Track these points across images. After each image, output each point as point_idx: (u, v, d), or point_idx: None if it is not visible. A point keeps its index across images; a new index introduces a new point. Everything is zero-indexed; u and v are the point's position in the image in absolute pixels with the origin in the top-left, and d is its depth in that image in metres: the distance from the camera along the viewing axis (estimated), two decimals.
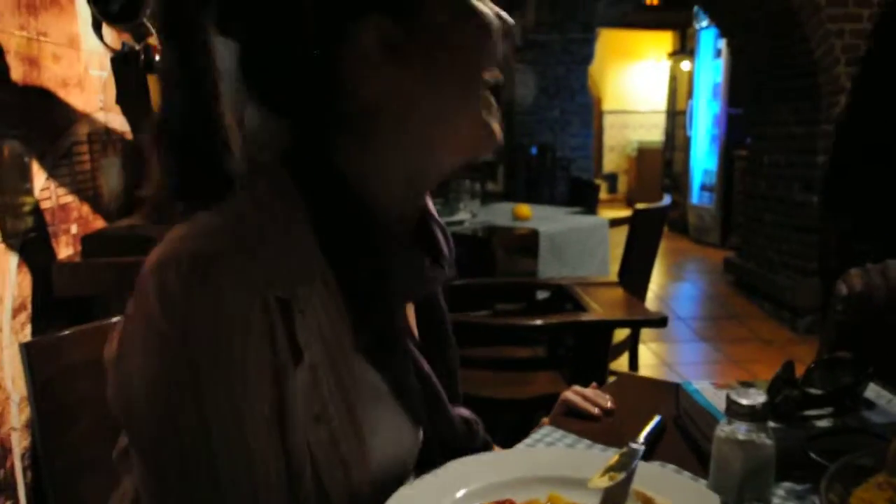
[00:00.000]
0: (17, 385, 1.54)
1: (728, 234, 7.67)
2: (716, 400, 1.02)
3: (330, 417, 0.72)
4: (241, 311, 0.65)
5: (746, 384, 1.08)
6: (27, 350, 1.06)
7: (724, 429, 0.82)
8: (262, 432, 0.67)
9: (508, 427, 2.71)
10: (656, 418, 1.07)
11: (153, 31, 1.45)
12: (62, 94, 1.80)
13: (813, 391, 1.01)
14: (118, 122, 2.07)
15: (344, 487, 0.74)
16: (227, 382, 0.65)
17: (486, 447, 0.94)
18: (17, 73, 1.60)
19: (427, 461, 0.87)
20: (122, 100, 1.62)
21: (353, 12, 0.71)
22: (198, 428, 0.65)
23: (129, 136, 2.00)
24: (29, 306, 1.66)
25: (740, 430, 0.81)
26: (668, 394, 1.16)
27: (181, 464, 0.66)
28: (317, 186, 0.73)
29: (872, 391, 1.05)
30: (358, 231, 0.74)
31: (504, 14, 0.79)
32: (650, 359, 4.30)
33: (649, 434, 1.02)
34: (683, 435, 1.07)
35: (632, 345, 3.10)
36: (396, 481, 0.82)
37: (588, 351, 2.18)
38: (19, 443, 1.56)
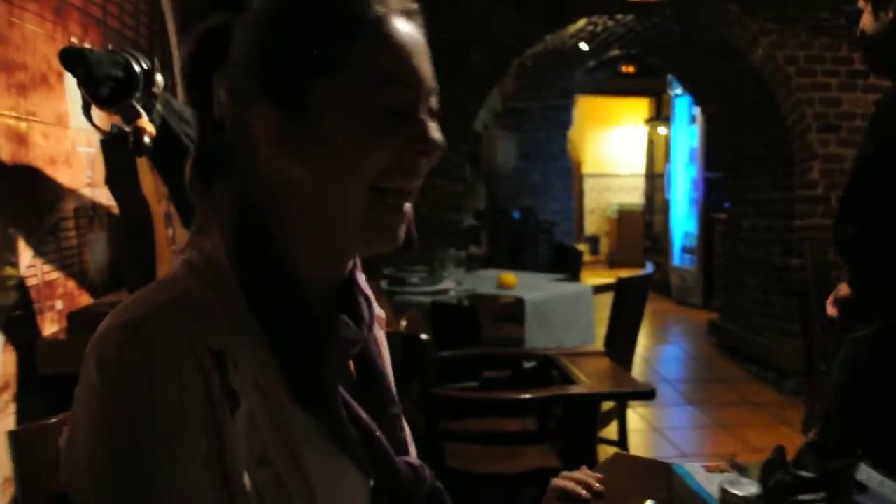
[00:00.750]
0: (1, 466, 1.51)
1: (710, 295, 7.72)
2: (707, 484, 1.01)
3: (271, 460, 0.74)
4: (174, 366, 0.69)
5: (738, 467, 1.08)
6: (14, 438, 1.04)
7: None
8: (205, 483, 0.69)
9: (498, 502, 2.68)
10: (648, 502, 1.07)
11: (142, 113, 1.47)
12: (49, 171, 1.81)
13: (805, 474, 1.01)
14: (105, 196, 2.07)
15: None
16: (166, 437, 0.68)
17: (435, 493, 0.92)
18: (5, 152, 1.61)
19: None
20: (111, 180, 1.63)
21: (249, 100, 0.76)
22: (141, 487, 0.68)
23: (116, 211, 2.00)
24: (13, 385, 1.63)
25: None
26: (660, 475, 1.15)
27: None
28: (243, 250, 0.77)
29: (864, 473, 1.05)
30: (280, 294, 0.77)
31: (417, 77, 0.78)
32: (639, 424, 4.27)
33: None
34: None
35: (620, 413, 3.09)
36: None
37: (577, 423, 2.17)
38: None
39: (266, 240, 0.79)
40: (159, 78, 1.55)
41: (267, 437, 0.74)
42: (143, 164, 1.60)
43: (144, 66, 1.51)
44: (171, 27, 2.99)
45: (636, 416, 4.34)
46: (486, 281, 3.64)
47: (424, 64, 0.78)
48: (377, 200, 0.76)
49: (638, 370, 5.34)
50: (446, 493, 0.93)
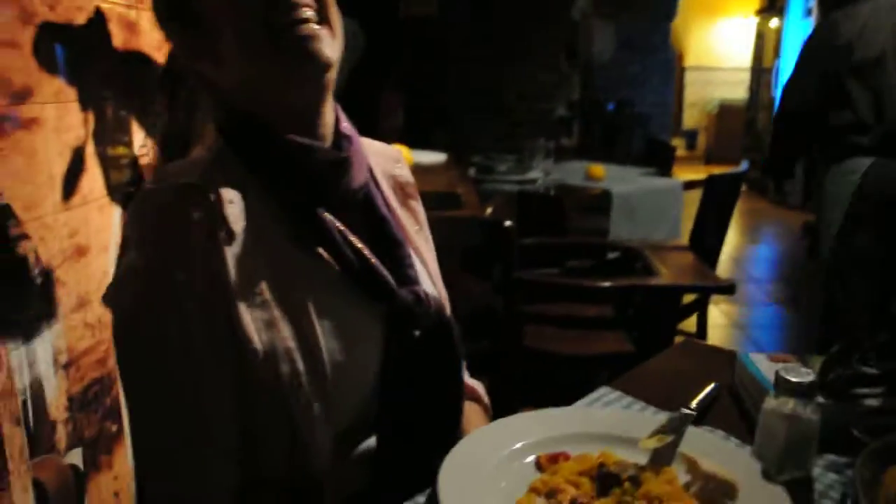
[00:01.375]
0: None
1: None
2: (769, 372, 1.06)
3: (265, 300, 0.84)
4: (179, 207, 0.82)
5: (803, 359, 1.12)
6: None
7: (771, 402, 0.87)
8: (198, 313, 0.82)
9: (572, 382, 2.78)
10: (711, 385, 1.13)
11: None
12: (158, 58, 1.91)
13: (867, 370, 1.04)
14: None
15: (290, 378, 0.84)
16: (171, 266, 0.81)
17: (444, 325, 0.98)
18: (117, 39, 1.71)
19: (395, 356, 0.93)
20: None
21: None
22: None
23: None
24: None
25: (787, 404, 0.86)
26: (728, 362, 1.20)
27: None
28: (234, 132, 0.91)
29: None
30: (269, 149, 0.89)
31: None
32: (720, 319, 4.28)
33: (702, 400, 1.07)
34: (736, 403, 1.12)
35: (700, 307, 3.11)
36: (362, 369, 0.91)
37: (655, 313, 2.21)
38: None
39: (250, 121, 0.90)
40: None
41: (261, 277, 0.85)
42: None
43: None
44: None
45: (718, 311, 4.34)
46: (575, 172, 3.64)
47: None
48: (273, 36, 0.84)
49: (725, 268, 5.29)
50: (455, 325, 1.00)
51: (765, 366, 1.09)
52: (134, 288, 0.83)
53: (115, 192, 1.73)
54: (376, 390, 0.92)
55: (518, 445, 0.91)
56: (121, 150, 1.76)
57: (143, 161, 1.85)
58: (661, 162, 4.22)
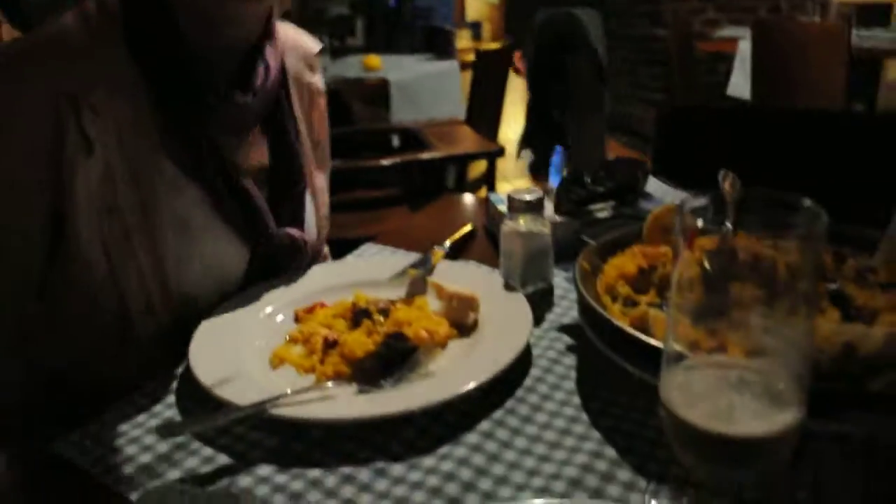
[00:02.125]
0: None
1: None
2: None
3: (121, 209, 0.79)
4: (27, 100, 0.74)
5: (543, 187, 1.19)
6: None
7: (508, 223, 0.92)
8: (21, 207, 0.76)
9: None
10: (467, 227, 1.18)
11: None
12: None
13: (597, 188, 1.13)
14: None
15: (138, 285, 0.81)
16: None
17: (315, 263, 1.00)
18: None
19: (256, 278, 0.93)
20: None
21: None
22: None
23: None
24: None
25: (520, 222, 0.91)
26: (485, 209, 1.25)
27: None
28: (133, 5, 0.80)
29: (654, 185, 1.18)
30: (167, 48, 0.80)
31: None
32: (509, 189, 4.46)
33: (458, 239, 1.12)
34: (491, 240, 1.18)
35: (488, 178, 3.22)
36: (218, 294, 0.89)
37: (436, 185, 2.27)
38: None
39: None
40: None
41: (122, 187, 0.78)
42: None
43: None
44: None
45: (510, 186, 4.53)
46: (353, 66, 3.59)
47: None
48: None
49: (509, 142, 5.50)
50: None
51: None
52: None
53: None
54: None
55: (269, 309, 0.90)
56: None
57: None
58: (439, 47, 4.25)
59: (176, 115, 0.81)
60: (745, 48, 3.93)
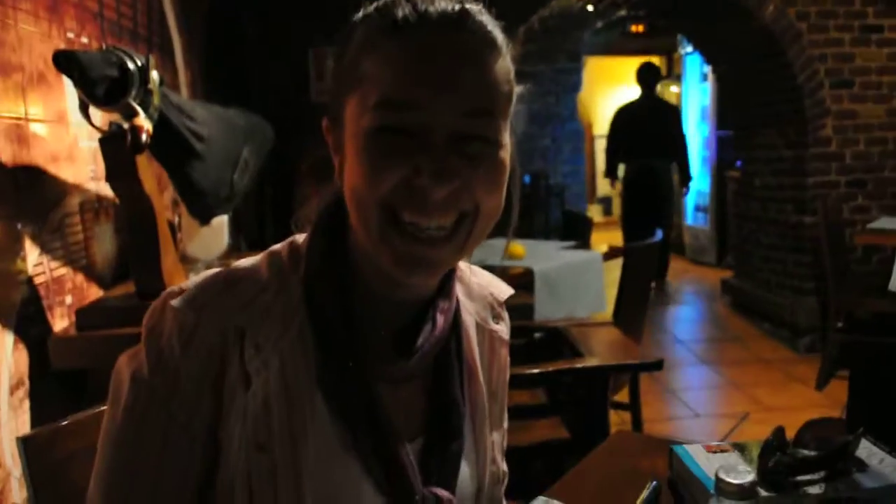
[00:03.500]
0: (17, 461, 1.55)
1: (724, 253, 7.68)
2: (707, 466, 1.02)
3: (272, 448, 0.77)
4: (201, 332, 0.77)
5: (738, 447, 1.09)
6: (24, 444, 1.07)
7: None
8: (178, 439, 0.78)
9: (510, 475, 2.71)
10: (652, 483, 1.08)
11: (139, 110, 1.48)
12: (52, 168, 1.82)
13: (804, 453, 1.02)
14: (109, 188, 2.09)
15: None
16: (163, 381, 0.77)
17: None
18: (5, 154, 1.62)
19: None
20: (111, 178, 1.64)
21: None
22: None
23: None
24: (27, 381, 1.67)
25: None
26: (663, 453, 1.16)
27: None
28: (319, 245, 0.83)
29: (864, 449, 1.06)
30: (336, 292, 0.81)
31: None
32: (653, 385, 4.29)
33: (645, 502, 1.02)
34: (678, 499, 1.08)
35: (632, 378, 3.10)
36: None
37: (586, 395, 2.18)
38: None
39: (343, 242, 0.83)
40: (154, 75, 1.55)
41: (276, 425, 0.77)
42: (143, 160, 1.61)
43: (139, 63, 1.52)
44: (169, 13, 2.98)
45: (650, 378, 4.35)
46: (495, 251, 3.61)
47: (450, 83, 0.72)
48: (390, 221, 0.74)
49: (650, 330, 5.35)
50: None
51: (702, 458, 1.06)
52: (130, 394, 0.79)
53: (8, 314, 1.61)
54: None
55: None
56: (15, 268, 1.65)
57: (39, 280, 1.75)
58: (579, 234, 4.28)
59: (333, 354, 0.81)
60: None
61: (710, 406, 4.13)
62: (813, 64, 4.78)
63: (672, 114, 6.80)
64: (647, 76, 6.75)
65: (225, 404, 0.77)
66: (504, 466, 1.02)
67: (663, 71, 10.81)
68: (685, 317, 6.32)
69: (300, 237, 0.86)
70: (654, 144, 6.56)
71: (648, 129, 6.60)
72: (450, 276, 0.88)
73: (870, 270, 4.78)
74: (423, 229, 0.73)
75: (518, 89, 0.80)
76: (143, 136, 1.44)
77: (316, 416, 0.79)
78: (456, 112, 0.71)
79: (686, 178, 6.83)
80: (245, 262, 0.84)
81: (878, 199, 4.93)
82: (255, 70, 4.12)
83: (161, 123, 1.60)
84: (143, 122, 1.46)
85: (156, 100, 1.55)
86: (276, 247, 0.86)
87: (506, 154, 0.77)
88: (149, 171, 1.66)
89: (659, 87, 10.58)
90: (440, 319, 0.86)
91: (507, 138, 0.77)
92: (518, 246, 3.53)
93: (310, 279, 0.81)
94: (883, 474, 1.00)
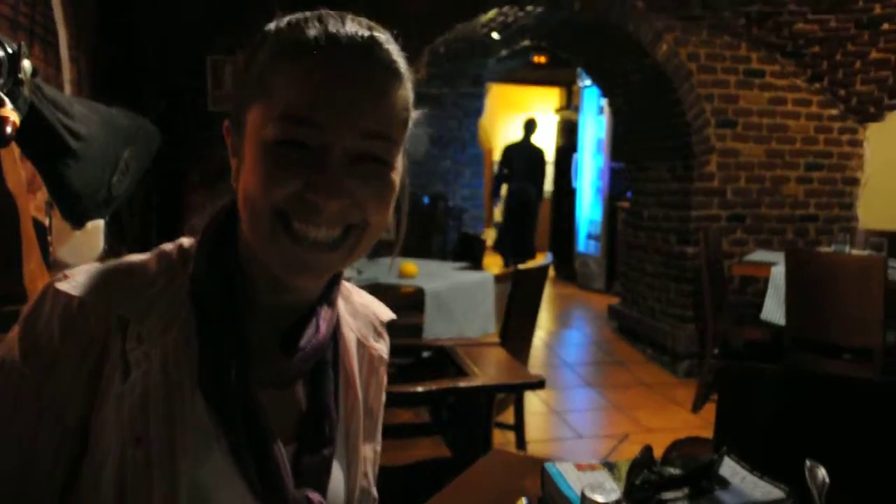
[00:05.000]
0: None
1: (612, 281, 7.93)
2: (575, 484, 1.03)
3: (150, 441, 0.77)
4: (82, 322, 0.76)
5: (609, 466, 1.10)
6: None
7: None
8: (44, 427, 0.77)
9: (389, 493, 2.68)
10: (523, 501, 1.08)
11: (5, 101, 1.38)
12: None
13: (670, 471, 1.04)
14: None
15: None
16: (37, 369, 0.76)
17: None
18: None
19: None
20: None
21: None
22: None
23: None
24: None
25: None
26: (537, 472, 1.16)
27: None
28: (208, 246, 0.84)
29: (728, 468, 1.09)
30: (222, 293, 0.82)
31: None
32: (538, 406, 4.36)
33: None
34: None
35: (517, 398, 3.13)
36: None
37: (470, 414, 2.18)
38: None
39: (232, 246, 0.85)
40: (27, 64, 1.45)
41: (153, 419, 0.77)
42: (8, 155, 1.50)
43: (9, 50, 1.42)
44: (56, 3, 2.83)
45: (536, 398, 4.42)
46: (388, 269, 3.61)
47: (352, 107, 0.76)
48: (280, 226, 0.77)
49: (539, 354, 5.45)
50: None
51: (572, 477, 1.07)
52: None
53: None
54: None
55: None
56: None
57: None
58: (473, 255, 4.32)
59: (217, 362, 0.81)
60: (777, 274, 3.95)
61: (592, 427, 4.23)
62: (700, 103, 5.03)
63: (541, 154, 9.05)
64: (530, 125, 8.90)
65: (99, 393, 0.77)
66: (374, 493, 1.04)
67: (563, 102, 11.17)
68: (573, 341, 6.47)
69: (188, 240, 0.88)
70: (527, 173, 8.76)
71: (524, 163, 8.77)
72: (333, 286, 0.92)
73: (745, 301, 5.03)
74: (311, 237, 0.77)
75: (415, 114, 0.84)
76: (9, 129, 1.34)
77: (194, 412, 0.80)
78: (354, 134, 0.76)
79: (540, 194, 9.09)
80: (134, 256, 0.85)
81: (756, 233, 5.20)
82: (150, 73, 3.98)
83: (32, 117, 1.49)
84: (10, 113, 1.36)
85: (26, 91, 1.45)
86: (166, 246, 0.87)
87: (396, 175, 0.82)
88: (15, 167, 1.55)
89: (559, 117, 11.04)
90: (323, 325, 0.89)
91: (399, 161, 0.82)
92: (411, 265, 3.53)
93: (196, 278, 0.83)
94: (743, 492, 1.03)
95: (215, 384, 0.81)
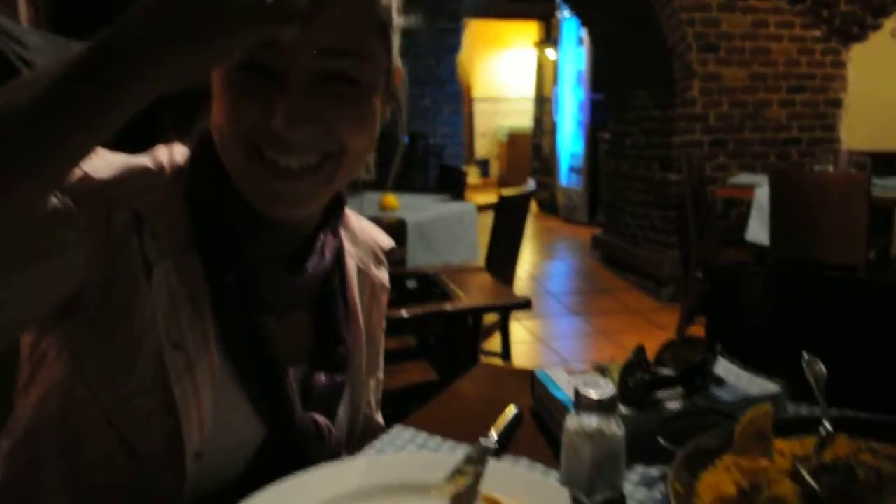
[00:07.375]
0: None
1: (595, 212, 7.91)
2: (569, 388, 0.99)
3: (188, 346, 0.74)
4: (101, 202, 0.72)
5: (601, 369, 1.06)
6: None
7: (573, 421, 0.79)
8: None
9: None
10: (512, 410, 1.04)
11: None
12: None
13: (664, 372, 1.00)
14: None
15: (196, 420, 0.75)
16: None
17: (336, 457, 0.90)
18: None
19: (268, 459, 0.83)
20: None
21: None
22: None
23: None
24: None
25: (589, 422, 0.78)
26: (526, 383, 1.13)
27: None
28: (196, 173, 0.80)
29: (722, 367, 1.06)
30: (219, 213, 0.78)
31: None
32: (523, 335, 4.36)
33: (504, 428, 0.98)
34: (540, 425, 1.04)
35: (503, 326, 3.11)
36: (222, 466, 0.80)
37: (456, 338, 2.15)
38: None
39: (215, 168, 0.79)
40: None
41: (185, 324, 0.75)
42: None
43: None
44: None
45: (521, 328, 4.42)
46: (370, 204, 3.55)
47: (319, 25, 0.68)
48: (252, 156, 0.73)
49: (524, 285, 5.44)
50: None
51: (563, 381, 1.03)
52: None
53: None
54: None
55: None
56: None
57: None
58: (454, 187, 4.25)
59: (222, 287, 0.78)
60: (761, 195, 3.93)
61: (578, 353, 4.24)
62: (682, 28, 4.92)
63: None
64: None
65: (129, 290, 0.73)
66: (380, 419, 1.04)
67: (541, 35, 10.97)
68: (557, 271, 6.48)
69: (181, 152, 0.83)
70: None
71: None
72: (335, 213, 0.89)
73: (729, 225, 5.02)
74: (282, 165, 0.73)
75: (402, 20, 0.80)
76: None
77: (207, 333, 0.77)
78: (313, 53, 0.70)
79: None
80: (149, 154, 0.81)
81: (738, 157, 5.16)
82: (116, 7, 3.81)
83: None
84: None
85: None
86: (160, 148, 0.82)
87: (375, 95, 0.76)
88: None
89: (537, 51, 10.85)
90: (327, 253, 0.87)
91: (377, 78, 0.76)
92: (392, 198, 3.47)
93: (191, 194, 0.79)
94: (739, 388, 1.00)
95: (221, 311, 0.78)
